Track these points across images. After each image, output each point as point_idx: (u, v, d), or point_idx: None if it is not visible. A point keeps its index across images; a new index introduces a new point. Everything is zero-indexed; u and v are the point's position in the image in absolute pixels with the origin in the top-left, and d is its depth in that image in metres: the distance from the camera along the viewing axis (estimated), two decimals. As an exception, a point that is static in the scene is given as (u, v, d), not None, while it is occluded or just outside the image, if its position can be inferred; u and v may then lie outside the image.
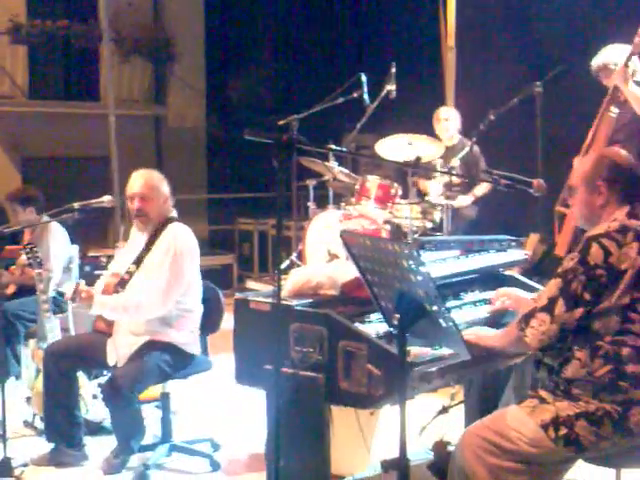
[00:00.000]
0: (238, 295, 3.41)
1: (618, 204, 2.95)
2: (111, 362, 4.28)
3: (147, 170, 4.41)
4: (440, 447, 3.63)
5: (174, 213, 4.42)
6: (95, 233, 9.90)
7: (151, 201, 4.30)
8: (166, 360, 4.19)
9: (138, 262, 4.31)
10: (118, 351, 4.27)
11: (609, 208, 2.96)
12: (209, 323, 4.45)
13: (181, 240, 4.28)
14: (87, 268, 7.11)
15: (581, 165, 3.12)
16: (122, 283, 4.27)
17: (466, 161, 6.54)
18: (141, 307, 4.17)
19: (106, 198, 4.64)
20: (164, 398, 4.46)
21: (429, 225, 6.21)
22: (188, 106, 12.69)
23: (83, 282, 4.24)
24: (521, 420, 2.87)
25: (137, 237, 4.43)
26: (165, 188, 4.37)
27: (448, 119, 7.01)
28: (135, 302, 4.17)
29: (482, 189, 6.86)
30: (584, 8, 7.01)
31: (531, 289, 3.66)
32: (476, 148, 6.70)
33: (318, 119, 6.86)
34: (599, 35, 5.83)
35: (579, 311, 2.83)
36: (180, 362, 4.26)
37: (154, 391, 4.50)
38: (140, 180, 4.33)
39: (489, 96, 7.32)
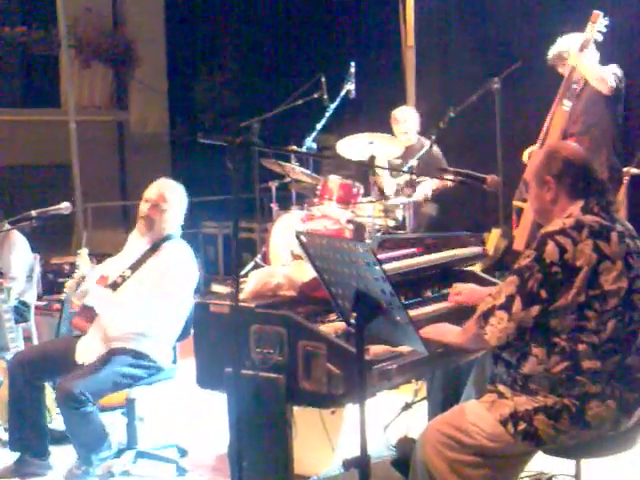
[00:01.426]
0: (198, 299, 3.40)
1: (569, 199, 2.95)
2: (79, 360, 4.24)
3: (169, 180, 4.44)
4: (403, 443, 3.65)
5: (179, 230, 4.42)
6: (58, 240, 9.81)
7: (161, 211, 4.31)
8: (128, 371, 4.15)
9: (134, 268, 4.29)
10: (88, 351, 4.24)
11: (560, 203, 2.96)
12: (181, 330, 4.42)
13: (182, 264, 4.29)
14: (50, 276, 7.03)
15: (533, 160, 3.15)
16: (114, 285, 4.25)
17: (426, 160, 6.53)
18: (130, 312, 4.16)
19: (64, 205, 4.60)
20: (130, 404, 4.43)
21: (392, 223, 6.21)
22: (150, 110, 12.64)
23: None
24: (480, 415, 2.89)
25: (136, 242, 4.42)
26: (180, 203, 4.37)
27: (406, 120, 6.99)
28: (126, 304, 4.17)
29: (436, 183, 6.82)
30: (540, 5, 7.09)
31: (490, 285, 3.67)
32: (436, 147, 6.70)
33: (283, 120, 6.85)
34: (554, 32, 5.90)
35: (536, 309, 2.83)
36: (145, 373, 4.24)
37: (119, 397, 4.48)
38: (156, 188, 4.35)
39: (449, 94, 7.37)
